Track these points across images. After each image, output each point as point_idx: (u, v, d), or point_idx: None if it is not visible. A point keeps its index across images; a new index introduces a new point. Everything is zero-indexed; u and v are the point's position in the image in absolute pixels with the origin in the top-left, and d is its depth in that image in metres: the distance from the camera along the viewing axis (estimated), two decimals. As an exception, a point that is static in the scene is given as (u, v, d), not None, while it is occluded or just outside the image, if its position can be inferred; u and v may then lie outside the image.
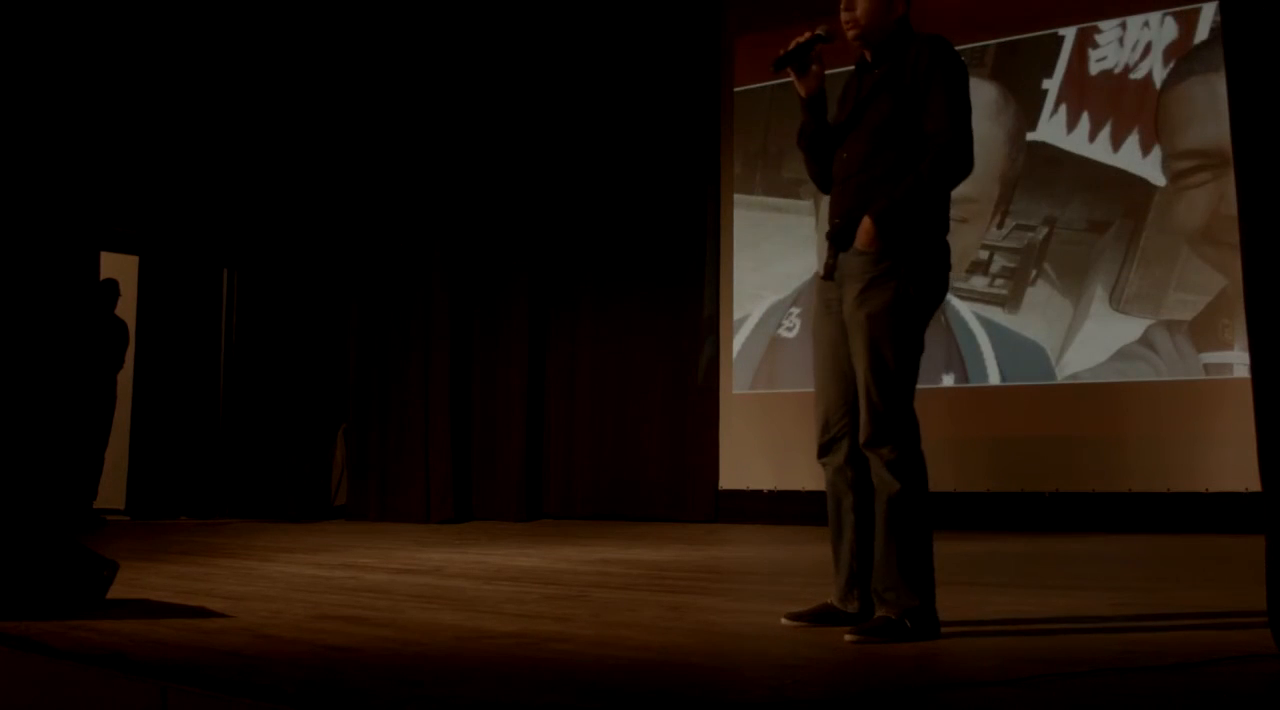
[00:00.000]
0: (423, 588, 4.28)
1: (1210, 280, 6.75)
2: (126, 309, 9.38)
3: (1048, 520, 6.98)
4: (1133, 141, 7.08)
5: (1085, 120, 7.23)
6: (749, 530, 7.59)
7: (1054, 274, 7.24)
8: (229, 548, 6.32)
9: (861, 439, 3.05)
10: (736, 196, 8.52)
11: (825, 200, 3.32)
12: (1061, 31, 7.36)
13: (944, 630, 2.96)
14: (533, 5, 9.14)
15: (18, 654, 2.75)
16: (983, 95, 7.31)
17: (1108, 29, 7.23)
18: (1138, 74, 7.11)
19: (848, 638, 2.89)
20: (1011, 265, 7.38)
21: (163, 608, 3.63)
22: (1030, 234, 7.34)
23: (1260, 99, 2.49)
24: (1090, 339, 7.08)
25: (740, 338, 8.40)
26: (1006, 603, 3.65)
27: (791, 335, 8.14)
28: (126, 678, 2.42)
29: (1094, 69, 7.25)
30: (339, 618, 3.41)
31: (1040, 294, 7.27)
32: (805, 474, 7.57)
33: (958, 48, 3.19)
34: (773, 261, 8.30)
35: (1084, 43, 7.29)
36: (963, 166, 3.05)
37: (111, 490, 9.33)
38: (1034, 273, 7.30)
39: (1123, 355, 6.98)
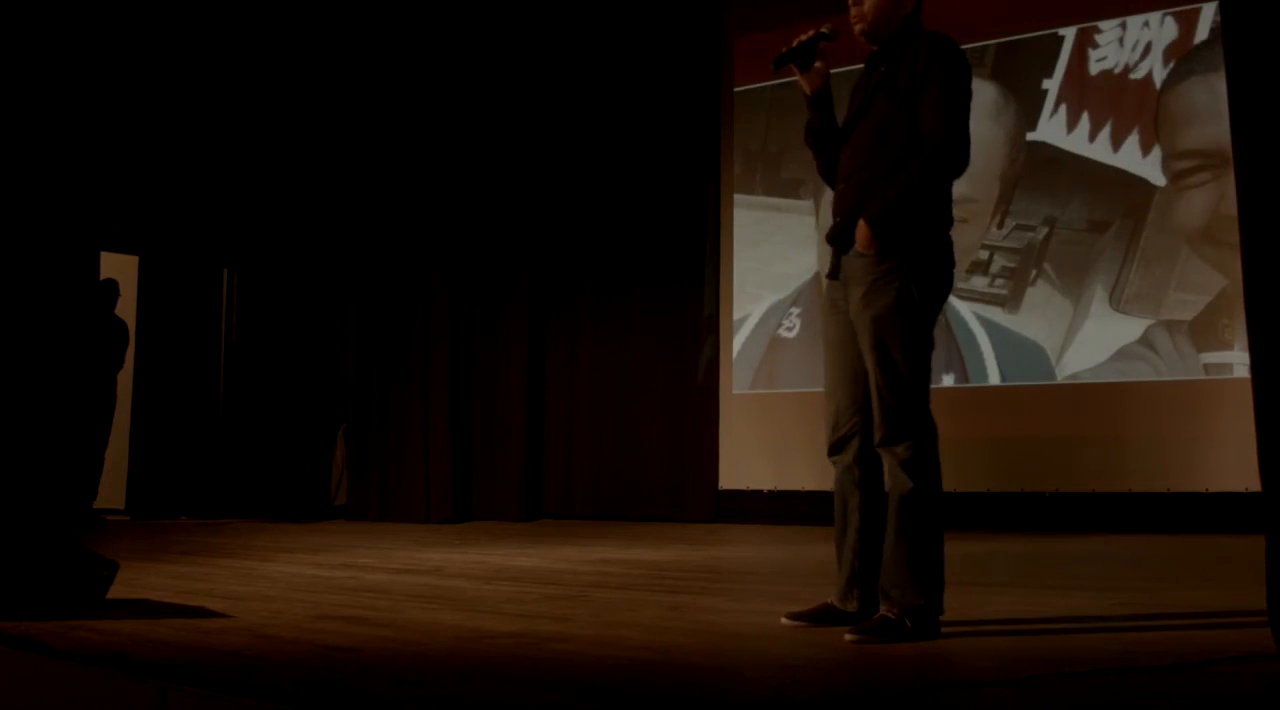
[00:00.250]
0: (423, 588, 4.28)
1: (1210, 280, 6.75)
2: (126, 309, 9.37)
3: (1048, 520, 6.98)
4: (1133, 141, 7.08)
5: (1085, 120, 7.23)
6: (749, 530, 7.59)
7: (1054, 274, 7.24)
8: (229, 548, 6.32)
9: (876, 439, 3.04)
10: (736, 196, 8.52)
11: (825, 200, 3.32)
12: (1061, 31, 7.36)
13: (944, 630, 2.95)
14: (533, 5, 9.14)
15: (18, 654, 2.75)
16: (983, 95, 7.30)
17: (1108, 29, 7.23)
18: (1138, 74, 7.11)
19: (848, 637, 2.89)
20: (1011, 265, 7.38)
21: (163, 608, 3.63)
22: (1030, 234, 7.34)
23: (1260, 99, 2.48)
24: (1090, 339, 7.08)
25: (740, 338, 8.40)
26: (1006, 603, 3.64)
27: (791, 335, 8.14)
28: (126, 678, 2.42)
29: (1094, 69, 7.25)
30: (339, 618, 3.41)
31: (1040, 294, 7.27)
32: (805, 474, 7.58)
33: (957, 48, 3.19)
34: (773, 261, 8.30)
35: (1084, 43, 7.29)
36: (956, 165, 3.05)
37: (111, 490, 9.33)
38: (1034, 273, 7.30)
39: (1123, 355, 6.98)
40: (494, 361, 9.20)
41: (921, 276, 3.03)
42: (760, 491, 8.15)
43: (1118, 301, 7.03)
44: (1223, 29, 6.04)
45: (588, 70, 9.04)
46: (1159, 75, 7.04)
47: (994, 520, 6.99)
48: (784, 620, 3.16)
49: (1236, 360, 6.57)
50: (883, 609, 2.97)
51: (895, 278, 3.01)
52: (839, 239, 3.14)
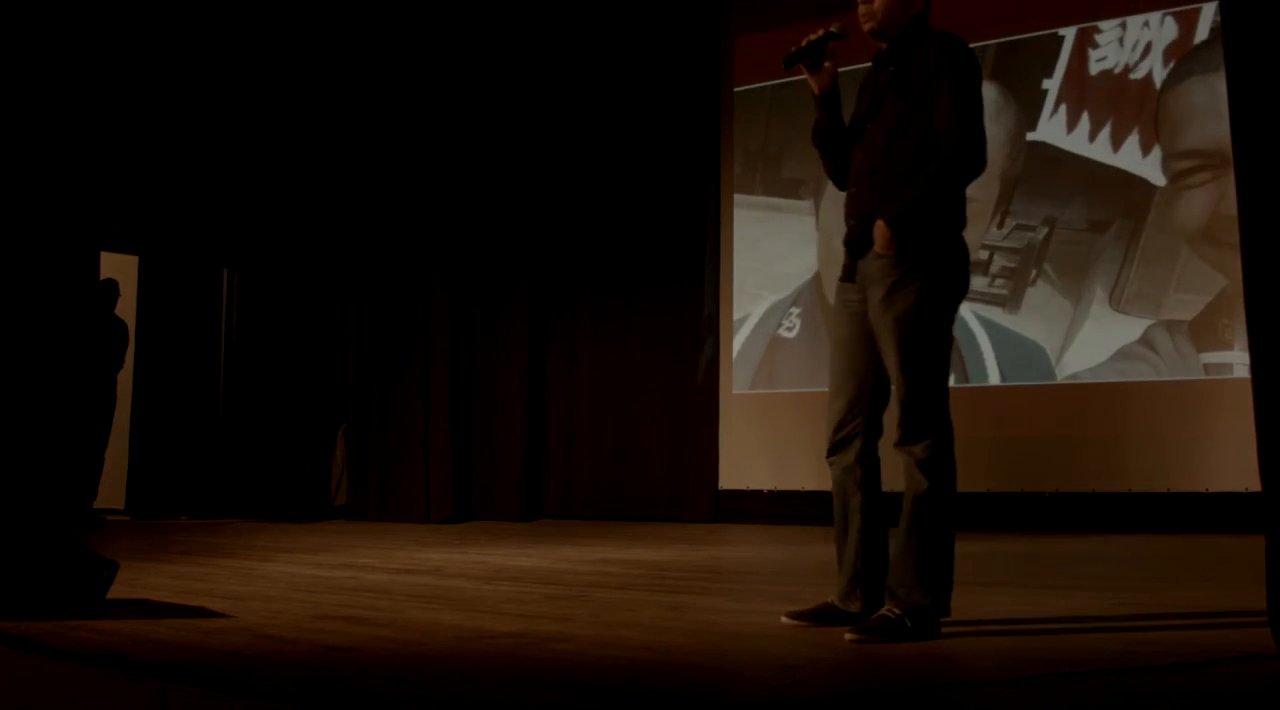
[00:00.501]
0: (423, 588, 4.28)
1: (1210, 280, 6.75)
2: (126, 309, 9.37)
3: (1048, 520, 6.98)
4: (1133, 141, 7.08)
5: (1085, 120, 7.23)
6: (749, 530, 7.59)
7: (1054, 274, 7.24)
8: (229, 548, 6.32)
9: (895, 438, 3.04)
10: (736, 196, 8.52)
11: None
12: (1061, 31, 7.36)
13: (944, 630, 2.95)
14: (533, 5, 9.14)
15: (18, 654, 2.75)
16: (983, 95, 7.30)
17: (1108, 29, 7.23)
18: (1138, 74, 7.11)
19: (848, 637, 2.89)
20: (1011, 265, 7.38)
21: (163, 608, 3.63)
22: (1030, 234, 7.34)
23: (1260, 99, 2.49)
24: (1090, 339, 7.08)
25: (740, 338, 8.39)
26: (1006, 603, 3.64)
27: (791, 335, 8.14)
28: (126, 678, 2.42)
29: (1094, 69, 7.25)
30: (339, 618, 3.41)
31: (1040, 294, 7.27)
32: (805, 474, 7.58)
33: (958, 47, 3.18)
34: (773, 261, 8.30)
35: (1084, 43, 7.29)
36: (974, 166, 3.07)
37: (111, 490, 9.33)
38: (1034, 273, 7.30)
39: (1123, 355, 6.98)
40: (494, 361, 9.20)
41: (940, 277, 3.04)
42: (760, 491, 8.15)
43: (1118, 301, 7.03)
44: (1223, 29, 6.04)
45: (588, 70, 9.03)
46: (1159, 75, 7.04)
47: (994, 520, 6.98)
48: (784, 620, 3.16)
49: (1236, 360, 6.57)
50: (885, 608, 2.97)
51: (915, 278, 3.02)
52: (856, 242, 3.15)
